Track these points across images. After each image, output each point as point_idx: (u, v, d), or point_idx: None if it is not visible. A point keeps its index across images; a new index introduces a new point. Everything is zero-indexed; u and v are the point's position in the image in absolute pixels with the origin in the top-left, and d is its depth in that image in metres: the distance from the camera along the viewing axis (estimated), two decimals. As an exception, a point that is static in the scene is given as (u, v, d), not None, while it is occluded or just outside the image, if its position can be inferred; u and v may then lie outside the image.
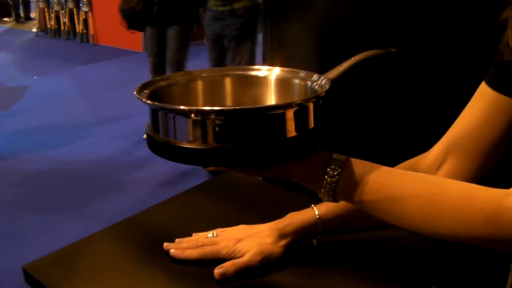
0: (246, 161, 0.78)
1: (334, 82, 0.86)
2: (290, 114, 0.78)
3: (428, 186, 0.77)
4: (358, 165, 0.80)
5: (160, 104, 0.80)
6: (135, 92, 0.83)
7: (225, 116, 0.75)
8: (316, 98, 0.82)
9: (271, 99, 0.97)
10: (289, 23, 1.73)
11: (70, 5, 9.41)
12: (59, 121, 5.30)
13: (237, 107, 0.80)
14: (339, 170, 0.78)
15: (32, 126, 5.18)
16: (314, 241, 1.11)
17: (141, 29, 4.78)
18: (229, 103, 0.98)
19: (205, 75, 0.98)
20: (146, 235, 1.24)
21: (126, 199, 3.71)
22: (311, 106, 0.81)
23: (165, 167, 4.06)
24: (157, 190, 3.82)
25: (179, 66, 4.57)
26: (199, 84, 0.98)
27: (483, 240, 0.72)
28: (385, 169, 0.80)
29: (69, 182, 4.02)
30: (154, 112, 0.81)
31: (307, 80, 0.91)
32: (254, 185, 1.45)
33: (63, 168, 4.23)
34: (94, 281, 1.07)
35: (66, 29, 9.60)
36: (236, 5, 3.93)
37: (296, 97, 0.94)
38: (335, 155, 0.80)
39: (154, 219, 1.30)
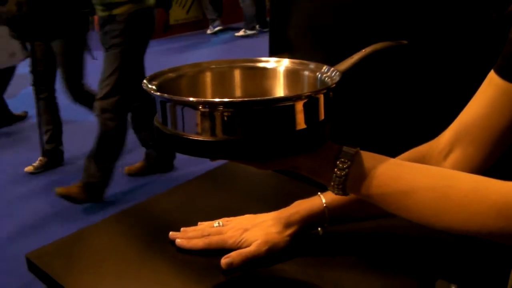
0: (255, 154, 0.77)
1: (344, 74, 0.84)
2: (299, 106, 0.76)
3: (439, 178, 0.76)
4: (368, 158, 0.79)
5: (169, 96, 0.78)
6: (143, 84, 0.82)
7: (234, 108, 0.74)
8: (326, 90, 0.80)
9: (281, 91, 0.95)
10: (294, 17, 1.72)
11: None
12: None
13: (246, 99, 0.78)
14: (349, 163, 0.77)
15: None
16: (320, 230, 1.10)
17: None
18: (238, 95, 0.96)
19: (213, 66, 0.97)
20: (150, 224, 1.23)
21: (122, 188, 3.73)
22: (321, 98, 0.79)
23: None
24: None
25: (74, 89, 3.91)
26: (208, 76, 0.96)
27: (495, 234, 0.71)
28: (395, 162, 0.79)
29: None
30: (162, 104, 0.80)
31: (317, 72, 0.89)
32: (258, 174, 1.44)
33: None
34: (97, 269, 1.06)
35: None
36: (116, 11, 3.30)
37: (306, 89, 0.92)
38: (344, 148, 0.79)
39: (158, 208, 1.30)
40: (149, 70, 6.42)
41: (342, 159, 0.77)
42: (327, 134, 0.81)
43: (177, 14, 8.85)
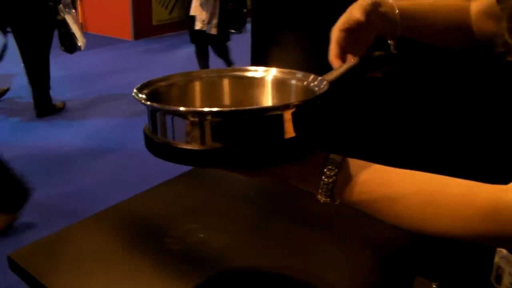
0: (244, 163, 0.77)
1: (333, 83, 0.86)
2: (287, 115, 0.77)
3: (427, 183, 0.76)
4: (355, 164, 0.79)
5: (158, 105, 0.79)
6: (133, 93, 0.82)
7: (222, 117, 0.75)
8: (314, 99, 0.81)
9: (269, 99, 0.96)
10: (276, 22, 1.74)
11: (59, -8, 9.33)
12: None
13: (234, 109, 0.78)
14: (336, 170, 0.77)
15: (21, 114, 5.16)
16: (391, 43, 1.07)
17: None
18: (227, 103, 0.97)
19: (203, 76, 0.98)
20: (131, 222, 1.23)
21: (111, 187, 3.72)
22: (308, 107, 0.80)
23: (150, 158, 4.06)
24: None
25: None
26: (197, 85, 0.97)
27: (484, 238, 0.72)
28: (382, 168, 0.79)
29: (55, 168, 4.02)
30: (152, 113, 0.80)
31: (305, 81, 0.90)
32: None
33: (51, 154, 4.25)
34: (79, 268, 1.06)
35: None
36: None
37: (294, 98, 0.93)
38: (331, 156, 0.79)
39: (139, 207, 1.30)
40: (133, 71, 6.45)
41: (330, 167, 0.78)
42: (316, 142, 0.82)
43: (160, 14, 8.84)
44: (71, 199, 3.56)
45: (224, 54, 5.88)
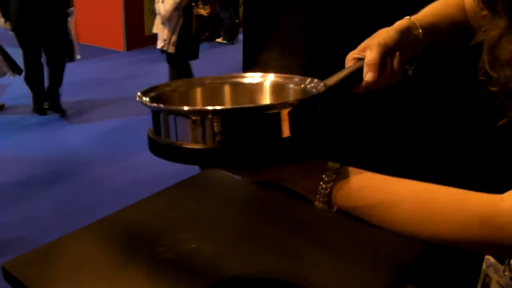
0: (244, 161, 0.80)
1: (333, 88, 0.89)
2: (286, 113, 0.79)
3: (421, 190, 0.78)
4: (352, 172, 0.80)
5: (161, 106, 0.83)
6: (137, 97, 0.85)
7: (224, 115, 0.77)
8: (312, 97, 0.84)
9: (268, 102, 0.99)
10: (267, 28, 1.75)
11: (51, 3, 9.32)
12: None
13: (234, 107, 0.84)
14: (334, 176, 0.79)
15: (15, 123, 5.20)
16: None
17: None
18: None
19: (204, 82, 1.01)
20: (125, 232, 1.24)
21: (105, 195, 3.72)
22: (307, 106, 0.82)
23: (138, 165, 4.12)
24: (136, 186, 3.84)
25: None
26: (199, 91, 1.00)
27: (478, 244, 0.73)
28: (378, 176, 0.81)
29: (46, 178, 4.05)
30: (155, 114, 0.83)
31: (303, 84, 0.93)
32: (236, 182, 1.46)
33: (43, 164, 4.27)
34: (74, 278, 1.07)
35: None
36: None
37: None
38: (330, 162, 0.81)
39: (133, 217, 1.31)
40: (125, 81, 6.45)
41: (327, 173, 0.79)
42: (314, 143, 0.84)
43: (152, 25, 8.83)
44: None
45: (183, 75, 5.30)
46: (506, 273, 0.87)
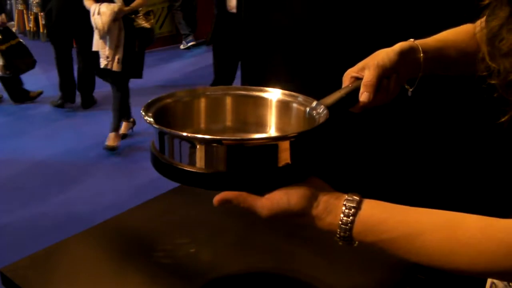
0: (243, 187, 0.81)
1: (331, 108, 0.90)
2: (285, 145, 0.81)
3: (445, 219, 0.75)
4: (372, 203, 0.78)
5: (164, 128, 0.84)
6: (142, 112, 0.87)
7: (225, 144, 0.80)
8: (313, 130, 0.85)
9: (271, 120, 1.01)
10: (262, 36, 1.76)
11: (49, 7, 9.31)
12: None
13: (235, 138, 0.88)
14: (354, 210, 0.77)
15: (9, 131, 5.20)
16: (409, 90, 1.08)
17: None
18: (229, 123, 1.02)
19: (208, 93, 1.03)
20: (123, 237, 1.25)
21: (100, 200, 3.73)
22: (306, 137, 0.84)
23: (128, 174, 4.13)
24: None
25: None
26: (202, 102, 1.02)
27: (506, 273, 0.71)
28: (398, 207, 0.79)
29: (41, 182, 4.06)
30: (159, 134, 0.85)
31: (307, 106, 0.94)
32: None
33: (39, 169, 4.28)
34: (72, 283, 1.07)
35: (45, 31, 9.51)
36: None
37: (295, 123, 0.97)
38: (349, 195, 0.79)
39: (131, 222, 1.31)
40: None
41: (348, 205, 0.77)
42: (313, 169, 0.86)
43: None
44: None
45: (126, 97, 4.80)
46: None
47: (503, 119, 0.79)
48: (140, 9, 4.50)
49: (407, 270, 1.11)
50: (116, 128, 4.63)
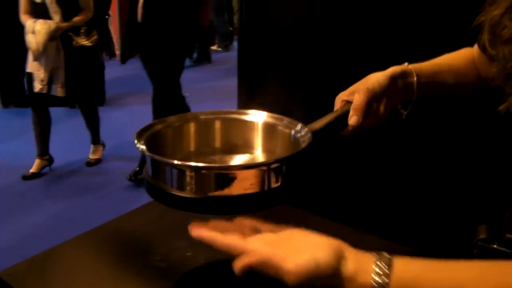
0: (231, 209, 0.86)
1: (320, 132, 0.95)
2: (267, 169, 0.86)
3: (487, 272, 0.71)
4: (404, 261, 0.73)
5: (155, 156, 0.89)
6: (135, 140, 0.92)
7: (213, 171, 0.85)
8: (296, 154, 0.89)
9: (258, 143, 1.07)
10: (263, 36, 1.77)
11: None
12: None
13: (220, 165, 0.95)
14: (387, 268, 0.72)
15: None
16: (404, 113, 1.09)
17: None
18: (218, 146, 1.08)
19: (198, 116, 1.08)
20: (120, 241, 1.25)
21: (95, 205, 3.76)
22: (290, 161, 0.88)
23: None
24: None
25: None
26: (192, 126, 1.08)
27: None
28: (432, 262, 0.74)
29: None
30: (151, 160, 0.90)
31: (291, 129, 0.99)
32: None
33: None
34: (69, 286, 1.08)
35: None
36: None
37: (280, 144, 1.02)
38: (380, 254, 0.75)
39: (129, 226, 1.32)
40: (123, 88, 6.43)
41: (380, 264, 0.73)
42: (298, 191, 0.91)
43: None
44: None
45: (95, 121, 4.46)
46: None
47: (500, 107, 0.81)
48: (83, 26, 4.04)
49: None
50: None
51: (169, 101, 3.95)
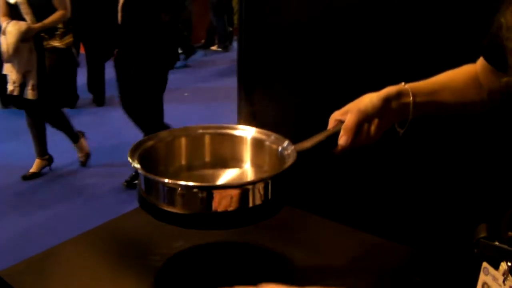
0: (217, 226, 0.93)
1: (309, 151, 0.99)
2: (243, 190, 0.91)
3: None
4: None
5: (148, 174, 0.93)
6: (129, 157, 0.96)
7: (204, 190, 0.90)
8: (281, 173, 0.94)
9: (246, 157, 1.11)
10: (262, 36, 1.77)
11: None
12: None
13: (207, 184, 1.00)
14: None
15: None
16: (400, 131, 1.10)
17: None
18: (208, 160, 1.13)
19: (189, 132, 1.13)
20: (119, 241, 1.25)
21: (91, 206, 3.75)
22: (272, 181, 0.93)
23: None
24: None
25: None
26: (183, 141, 1.12)
27: None
28: None
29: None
30: (144, 177, 0.95)
31: (279, 145, 1.04)
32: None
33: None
34: (68, 286, 1.08)
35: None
36: None
37: (267, 159, 1.07)
38: None
39: (127, 226, 1.32)
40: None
41: None
42: (283, 205, 0.96)
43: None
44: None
45: (68, 128, 4.28)
46: (506, 283, 0.86)
47: (504, 79, 0.83)
48: (59, 26, 3.91)
49: (403, 272, 1.12)
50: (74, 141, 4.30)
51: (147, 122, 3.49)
